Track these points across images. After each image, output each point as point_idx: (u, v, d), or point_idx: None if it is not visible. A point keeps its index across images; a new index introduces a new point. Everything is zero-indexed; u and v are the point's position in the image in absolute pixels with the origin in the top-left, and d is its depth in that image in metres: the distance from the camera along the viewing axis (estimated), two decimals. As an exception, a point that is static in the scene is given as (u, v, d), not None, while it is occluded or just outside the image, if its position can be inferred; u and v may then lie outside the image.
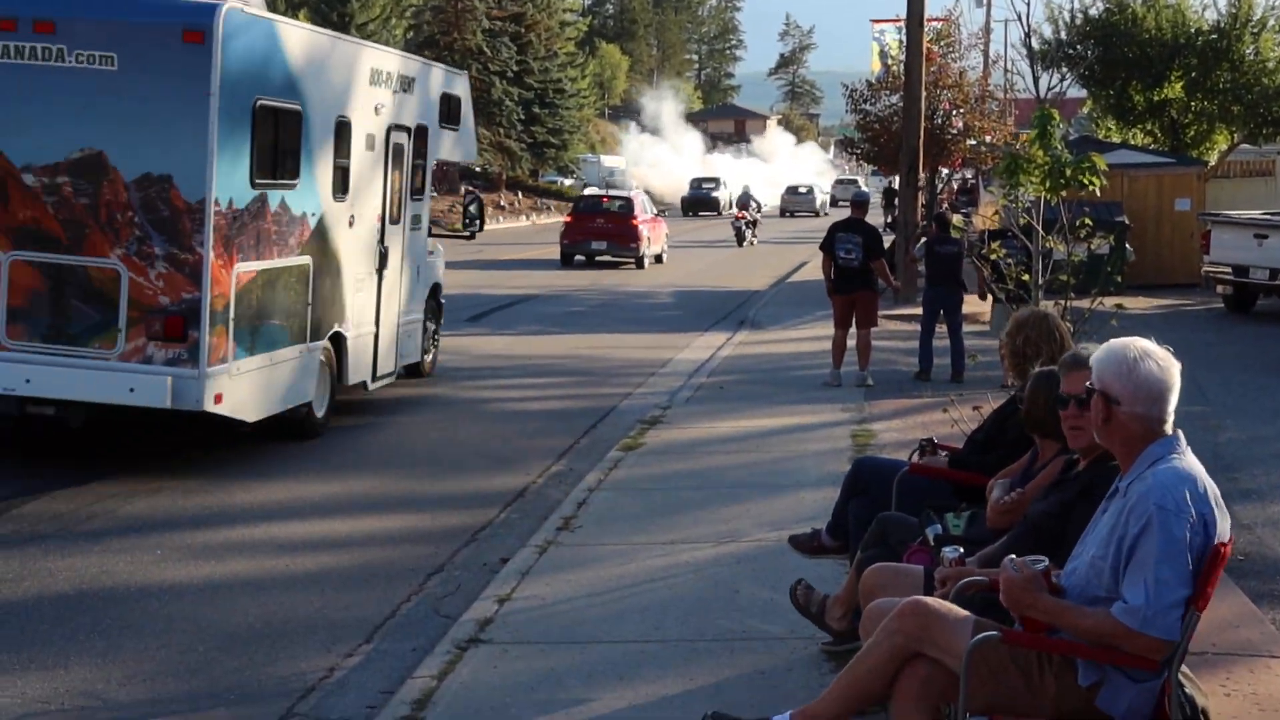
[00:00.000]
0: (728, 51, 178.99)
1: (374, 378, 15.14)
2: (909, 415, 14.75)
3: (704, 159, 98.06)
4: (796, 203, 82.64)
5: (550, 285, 32.51)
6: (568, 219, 42.19)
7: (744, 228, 50.72)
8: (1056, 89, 39.28)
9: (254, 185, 12.10)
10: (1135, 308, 18.37)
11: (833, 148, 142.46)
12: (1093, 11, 38.18)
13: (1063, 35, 38.67)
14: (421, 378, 17.26)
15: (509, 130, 75.26)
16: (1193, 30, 36.09)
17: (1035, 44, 39.58)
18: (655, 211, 44.57)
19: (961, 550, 5.80)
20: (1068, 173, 13.31)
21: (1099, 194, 14.82)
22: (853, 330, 17.20)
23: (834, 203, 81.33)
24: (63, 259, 11.56)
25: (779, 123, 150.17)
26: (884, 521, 6.96)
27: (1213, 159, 36.55)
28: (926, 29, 29.45)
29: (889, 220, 40.66)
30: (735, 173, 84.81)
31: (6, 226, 11.57)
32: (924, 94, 28.40)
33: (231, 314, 11.74)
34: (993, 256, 14.79)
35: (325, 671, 7.52)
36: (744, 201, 54.62)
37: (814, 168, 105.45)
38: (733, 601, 8.29)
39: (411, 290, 16.41)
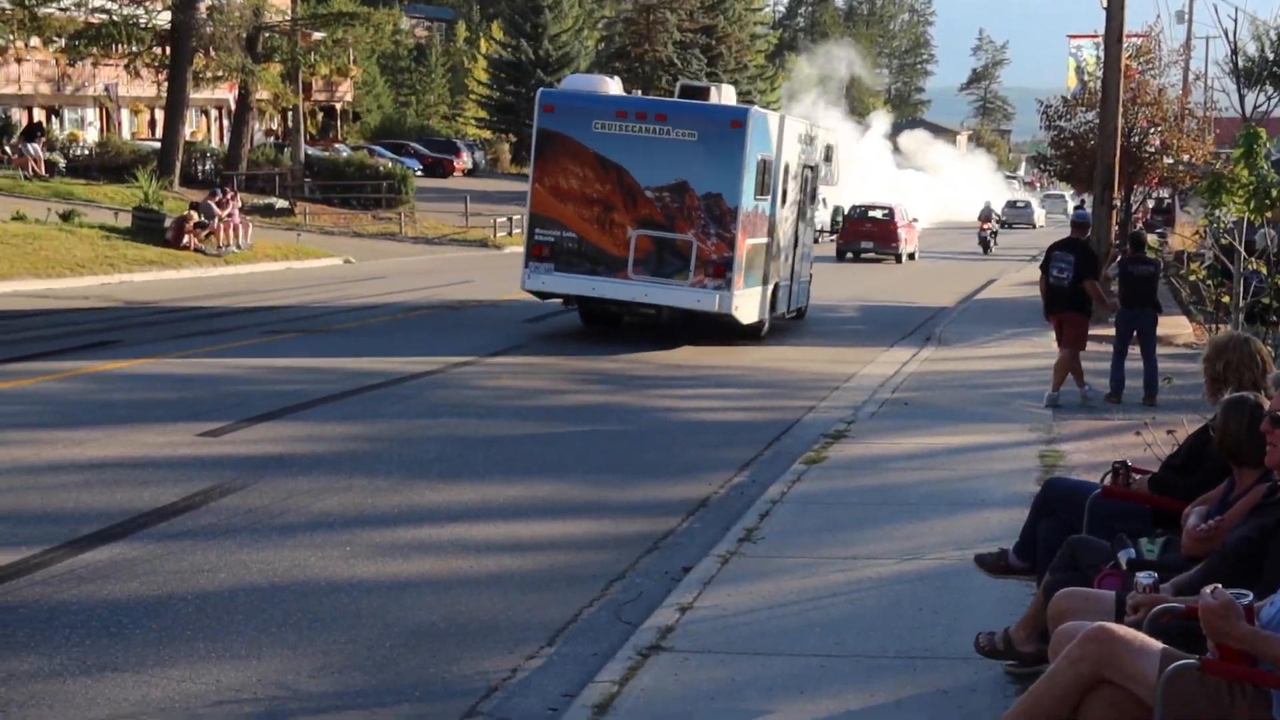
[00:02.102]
0: (919, 66, 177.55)
1: (787, 312, 25.84)
2: (1099, 437, 14.46)
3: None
4: (1015, 215, 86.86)
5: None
6: (845, 223, 52.65)
7: (988, 237, 58.73)
8: (1262, 108, 38.25)
9: (755, 199, 22.59)
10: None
11: (1024, 164, 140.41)
12: (1301, 28, 37.11)
13: (1269, 54, 37.61)
14: (801, 320, 27.08)
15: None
16: None
17: (1240, 61, 38.57)
18: (911, 219, 54.13)
19: (1155, 576, 5.68)
20: (1274, 193, 12.95)
21: (1306, 215, 14.40)
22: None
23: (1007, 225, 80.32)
24: (663, 234, 22.17)
25: (969, 138, 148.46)
26: (1075, 544, 6.83)
27: None
28: (1125, 45, 28.85)
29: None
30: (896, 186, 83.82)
31: (634, 216, 22.13)
32: (1121, 111, 27.86)
33: (742, 265, 22.22)
34: (1191, 278, 14.43)
35: (508, 672, 7.62)
36: (986, 214, 61.11)
37: (986, 182, 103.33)
38: (916, 619, 8.21)
39: (805, 262, 27.28)
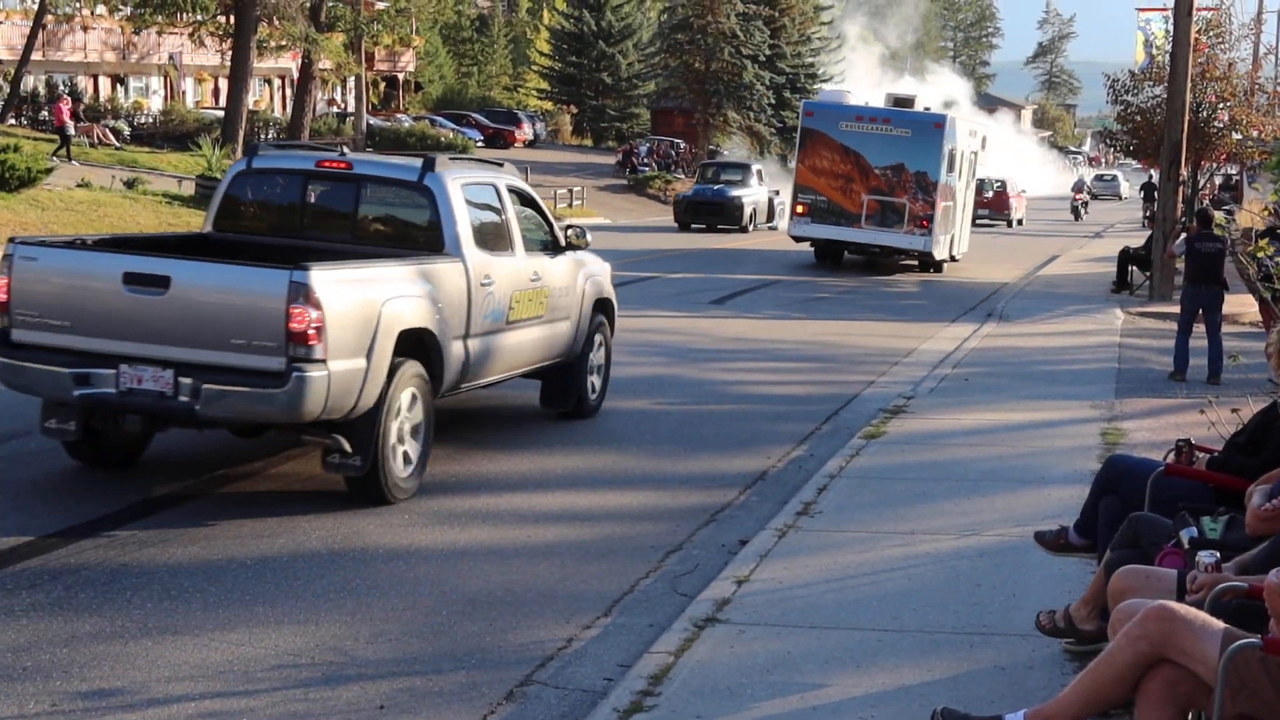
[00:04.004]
0: (984, 39, 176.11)
1: (955, 254, 35.26)
2: (1161, 415, 14.33)
3: None
4: (1103, 188, 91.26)
5: (794, 271, 32.45)
6: None
7: (1079, 206, 67.06)
8: (1336, 83, 37.71)
9: (945, 175, 32.60)
10: None
11: (1089, 139, 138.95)
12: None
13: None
14: (955, 263, 35.19)
15: (758, 115, 75.21)
16: None
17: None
18: (1020, 189, 63.30)
19: (1218, 555, 5.62)
20: (1344, 169, 12.75)
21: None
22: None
23: None
24: (886, 198, 32.45)
25: (1034, 113, 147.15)
26: (1136, 522, 6.77)
27: None
28: (1195, 18, 28.45)
29: (1147, 215, 39.79)
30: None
31: (866, 186, 32.44)
32: (1189, 86, 27.52)
33: (938, 220, 32.22)
34: (1259, 255, 14.26)
35: (563, 641, 7.64)
36: (1079, 186, 72.60)
37: (1037, 160, 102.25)
38: (973, 595, 8.17)
39: (968, 220, 37.10)
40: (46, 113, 49.35)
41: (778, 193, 49.02)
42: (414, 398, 10.42)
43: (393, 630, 7.69)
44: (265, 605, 7.95)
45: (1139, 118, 35.82)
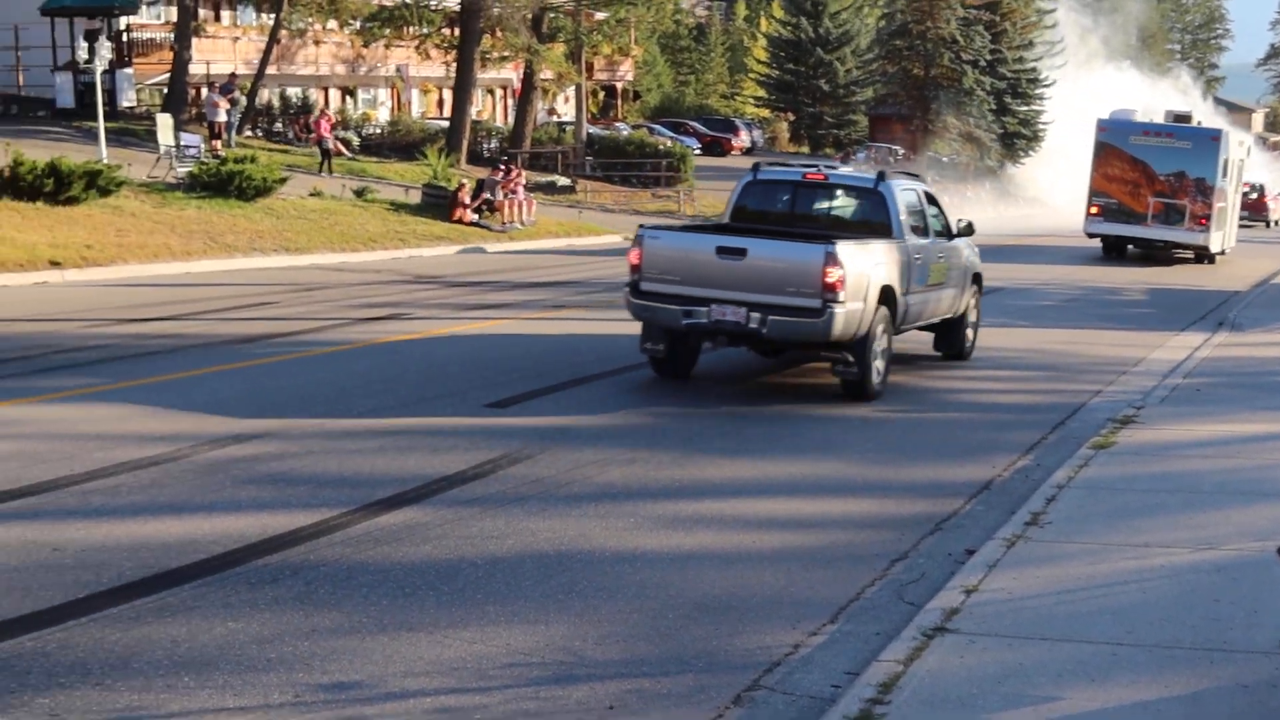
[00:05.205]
0: (1213, 41, 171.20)
1: (1224, 249, 40.55)
2: None
3: None
4: None
5: (1016, 278, 31.88)
6: None
7: None
8: None
9: (1220, 181, 38.29)
10: None
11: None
12: None
13: None
14: (1224, 256, 40.53)
15: (979, 120, 74.12)
16: None
17: None
18: (1277, 192, 68.80)
19: None
20: None
21: None
22: None
23: None
24: (1170, 201, 38.25)
25: (1265, 116, 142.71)
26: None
27: None
28: None
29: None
30: None
31: (1152, 191, 38.28)
32: None
33: (1214, 219, 38.25)
34: None
35: (790, 647, 7.63)
36: None
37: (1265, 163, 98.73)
38: (1212, 611, 7.94)
39: (1234, 216, 42.00)
40: (281, 124, 50.93)
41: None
42: (884, 332, 15.24)
43: (620, 632, 7.77)
44: (496, 604, 8.10)
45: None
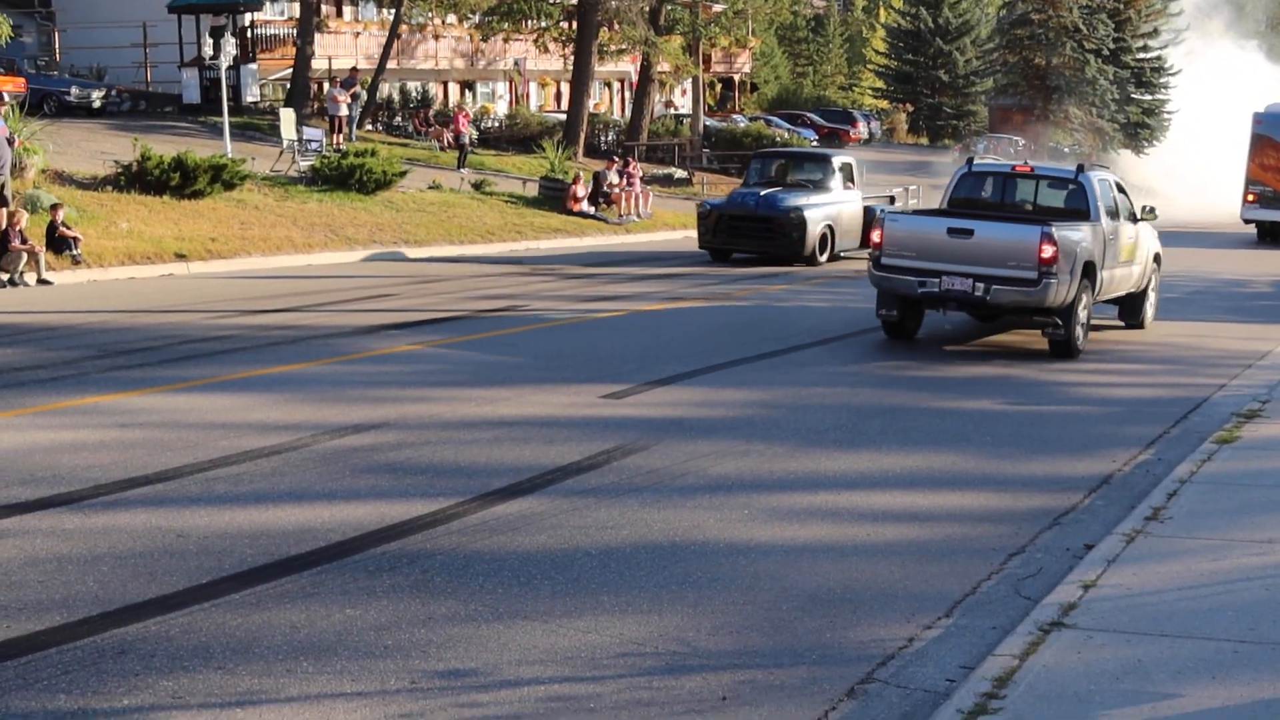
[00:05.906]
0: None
1: None
2: None
3: None
4: None
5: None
6: None
7: None
8: None
9: None
10: None
11: None
12: None
13: None
14: None
15: (1101, 110, 73.06)
16: None
17: None
18: None
19: None
20: None
21: None
22: None
23: None
24: None
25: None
26: None
27: None
28: None
29: None
30: None
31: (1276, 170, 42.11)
32: None
33: None
34: None
35: (904, 641, 7.59)
36: None
37: None
38: (1338, 609, 7.78)
39: None
40: (400, 118, 51.42)
41: (892, 199, 34.91)
42: (1086, 301, 17.84)
43: (733, 623, 7.78)
44: (610, 594, 8.14)
45: None
